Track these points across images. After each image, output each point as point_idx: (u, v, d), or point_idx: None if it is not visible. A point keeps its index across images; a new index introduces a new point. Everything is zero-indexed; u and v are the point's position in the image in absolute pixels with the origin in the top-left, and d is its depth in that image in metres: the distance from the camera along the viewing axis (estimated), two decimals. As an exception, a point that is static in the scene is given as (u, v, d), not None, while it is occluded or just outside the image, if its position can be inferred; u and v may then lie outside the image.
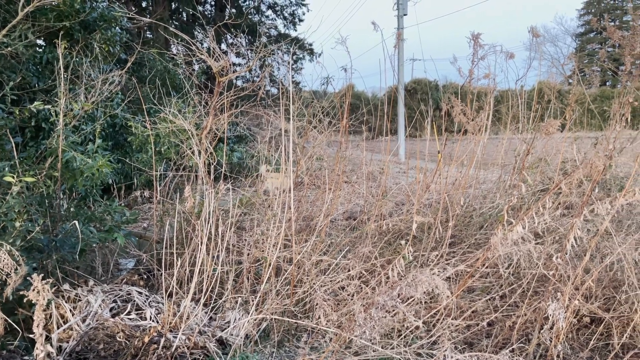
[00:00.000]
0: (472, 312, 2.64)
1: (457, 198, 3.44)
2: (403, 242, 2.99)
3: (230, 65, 4.08)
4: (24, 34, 5.52)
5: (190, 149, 3.69)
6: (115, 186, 6.44)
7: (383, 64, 3.73)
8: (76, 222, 2.71)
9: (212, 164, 3.50)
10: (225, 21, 4.24)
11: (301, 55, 20.58)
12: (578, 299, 2.20)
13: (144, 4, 18.81)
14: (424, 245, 3.22)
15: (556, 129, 2.23)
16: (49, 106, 3.19)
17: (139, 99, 6.33)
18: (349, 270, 3.15)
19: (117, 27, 6.84)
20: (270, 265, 2.61)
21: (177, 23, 18.90)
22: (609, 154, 2.81)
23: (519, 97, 3.95)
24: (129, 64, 5.52)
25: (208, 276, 3.01)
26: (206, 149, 3.78)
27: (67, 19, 6.11)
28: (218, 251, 3.22)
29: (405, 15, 17.41)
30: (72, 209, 3.01)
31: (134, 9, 16.74)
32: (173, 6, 17.56)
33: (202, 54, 4.00)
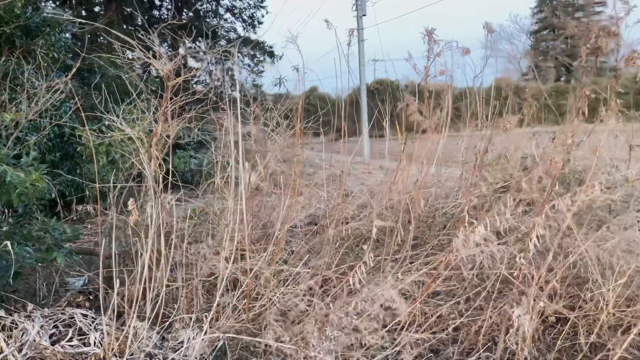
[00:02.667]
0: (437, 317, 2.54)
1: (419, 198, 3.35)
2: (365, 247, 2.87)
3: (180, 68, 3.89)
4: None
5: (138, 158, 3.48)
6: (65, 200, 6.11)
7: (339, 64, 3.64)
8: (8, 242, 2.47)
9: (161, 173, 3.29)
10: (181, 24, 4.05)
11: (262, 58, 20.36)
12: (543, 300, 2.12)
13: (96, 9, 18.23)
14: (386, 249, 3.11)
15: (514, 124, 2.16)
16: (-25, 117, 2.92)
17: (90, 107, 6.03)
18: (310, 279, 3.01)
19: (62, 33, 6.51)
20: (223, 279, 2.44)
21: (131, 28, 18.37)
22: (566, 148, 2.76)
23: (477, 94, 3.90)
24: (73, 70, 5.24)
25: (158, 294, 2.82)
26: (157, 157, 3.58)
27: (7, 24, 5.77)
28: (171, 265, 3.03)
29: (364, 15, 17.46)
30: (4, 228, 2.76)
31: (84, 13, 16.18)
32: (126, 11, 17.05)
33: (148, 58, 3.80)
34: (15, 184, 2.79)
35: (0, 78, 5.02)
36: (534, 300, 2.09)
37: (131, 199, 2.63)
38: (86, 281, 3.65)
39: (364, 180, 9.72)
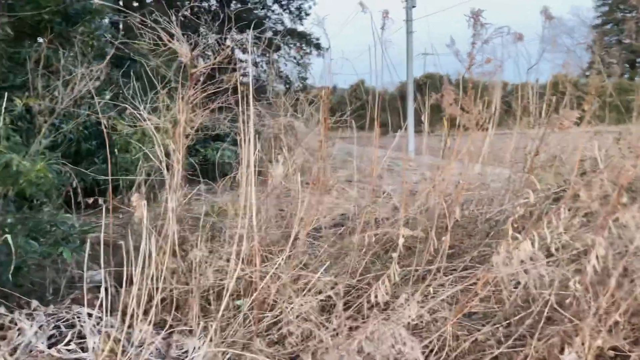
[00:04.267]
0: (472, 342, 2.20)
1: (458, 202, 2.99)
2: (395, 254, 2.56)
3: (199, 55, 3.69)
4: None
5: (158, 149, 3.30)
6: (99, 188, 6.08)
7: (384, 56, 3.33)
8: (8, 236, 2.32)
9: (179, 165, 3.09)
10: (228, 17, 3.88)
11: (308, 50, 20.15)
12: (602, 336, 1.75)
13: (148, 0, 18.52)
14: (417, 259, 2.78)
15: (573, 121, 1.80)
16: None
17: (130, 96, 5.97)
18: (332, 287, 2.73)
19: (102, 20, 6.48)
20: (228, 290, 2.19)
21: (181, 19, 18.48)
22: (636, 151, 2.34)
23: (530, 87, 3.48)
24: (107, 58, 5.15)
25: (166, 297, 2.62)
26: (180, 148, 3.40)
27: (47, 11, 5.76)
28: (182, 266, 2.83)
29: (414, 7, 16.86)
30: (9, 220, 2.63)
31: (135, 3, 16.46)
32: (175, 2, 17.21)
33: (171, 43, 3.60)
34: (23, 173, 2.66)
35: (34, 64, 5.01)
36: (590, 336, 1.72)
37: (136, 194, 2.43)
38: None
39: (407, 178, 9.33)
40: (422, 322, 2.20)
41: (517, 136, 3.83)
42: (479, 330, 2.26)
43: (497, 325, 2.16)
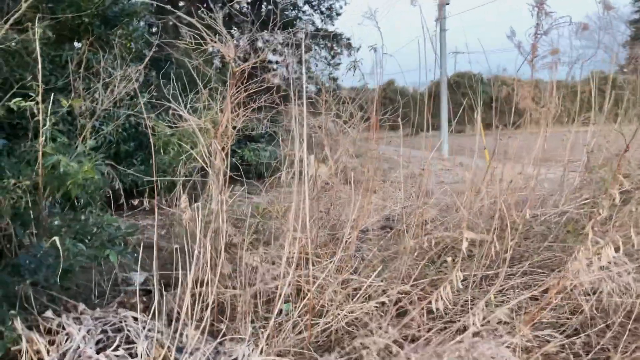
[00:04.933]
0: (544, 356, 2.04)
1: (515, 204, 2.83)
2: (449, 259, 2.42)
3: (245, 53, 3.61)
4: (40, 29, 5.23)
5: (202, 150, 3.24)
6: (137, 189, 6.11)
7: (422, 54, 3.20)
8: (56, 238, 2.27)
9: (223, 166, 3.02)
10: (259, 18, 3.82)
11: (339, 50, 20.02)
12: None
13: (180, 4, 18.75)
14: (475, 263, 2.63)
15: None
16: (31, 102, 2.78)
17: (167, 98, 5.97)
18: (383, 293, 2.60)
19: (140, 22, 6.52)
20: (280, 295, 2.09)
21: (214, 20, 18.59)
22: None
23: (592, 82, 3.27)
24: (146, 60, 5.15)
25: (213, 301, 2.53)
26: (222, 149, 3.33)
27: (86, 14, 5.82)
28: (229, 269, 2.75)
29: (447, 4, 16.54)
30: (56, 222, 2.60)
31: (169, 7, 16.66)
32: (207, 4, 17.34)
33: (214, 41, 3.54)
34: (70, 175, 2.62)
35: (75, 67, 5.04)
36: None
37: (184, 196, 2.36)
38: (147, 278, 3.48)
39: (443, 178, 9.09)
40: (489, 332, 2.05)
41: (573, 134, 3.61)
42: (548, 342, 2.09)
43: (573, 336, 1.99)
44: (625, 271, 1.70)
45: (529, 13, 2.63)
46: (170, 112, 3.70)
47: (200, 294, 2.39)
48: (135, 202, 2.75)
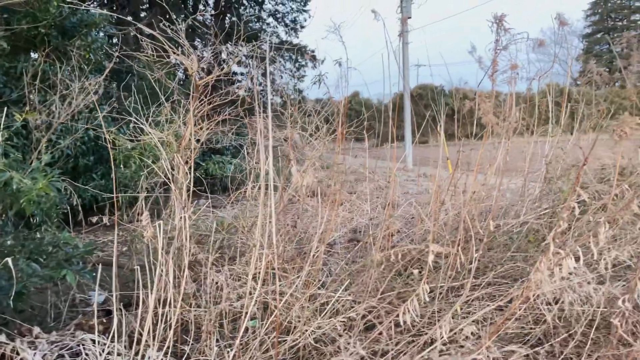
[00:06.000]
0: (508, 366, 2.05)
1: (479, 215, 2.87)
2: (416, 272, 2.42)
3: (209, 65, 3.56)
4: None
5: (163, 163, 3.17)
6: (97, 205, 5.92)
7: (383, 67, 3.23)
8: (9, 259, 2.16)
9: (186, 180, 2.95)
10: (223, 29, 3.78)
11: (303, 63, 20.11)
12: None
13: (142, 14, 18.46)
14: (441, 275, 2.64)
15: (634, 128, 1.68)
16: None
17: (126, 111, 5.83)
18: (352, 307, 2.59)
19: (99, 33, 6.36)
20: (246, 314, 2.04)
21: (176, 32, 18.35)
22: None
23: (547, 94, 3.38)
24: (106, 71, 5.02)
25: (177, 320, 2.46)
26: (185, 162, 3.26)
27: (42, 24, 5.64)
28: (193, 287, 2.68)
29: (409, 18, 16.90)
30: (8, 242, 2.47)
31: (130, 18, 16.38)
32: (169, 15, 17.13)
33: (176, 54, 3.48)
34: (24, 192, 2.50)
35: (31, 78, 4.87)
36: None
37: (146, 212, 2.29)
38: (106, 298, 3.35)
39: (407, 189, 9.20)
40: (452, 343, 2.06)
41: (532, 145, 3.71)
42: (514, 352, 2.11)
43: (536, 347, 2.02)
44: (585, 281, 1.74)
45: (488, 29, 2.71)
46: (131, 125, 3.61)
47: (163, 314, 2.31)
48: (94, 218, 2.65)
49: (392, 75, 3.35)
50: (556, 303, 2.10)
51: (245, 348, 2.32)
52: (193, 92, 3.53)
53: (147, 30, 3.53)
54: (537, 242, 2.99)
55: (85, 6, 6.12)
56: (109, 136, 5.26)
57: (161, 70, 4.48)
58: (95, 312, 2.77)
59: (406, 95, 16.96)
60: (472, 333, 2.15)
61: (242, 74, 20.13)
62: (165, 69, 4.19)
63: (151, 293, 2.19)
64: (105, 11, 6.16)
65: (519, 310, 2.04)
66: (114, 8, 14.32)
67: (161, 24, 3.55)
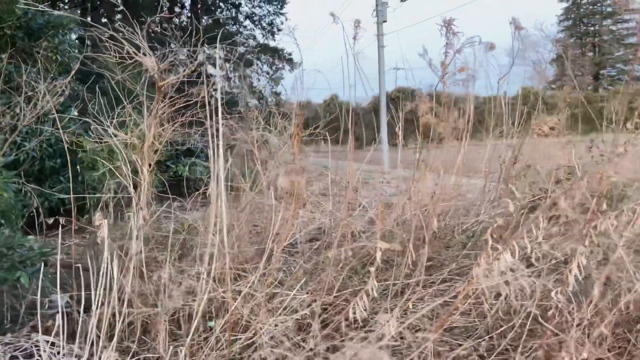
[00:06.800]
0: (454, 359, 2.12)
1: (434, 213, 2.94)
2: (372, 269, 2.47)
3: (168, 69, 3.57)
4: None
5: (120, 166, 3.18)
6: (65, 208, 5.85)
7: (356, 69, 3.27)
8: (-41, 261, 2.15)
9: (146, 182, 2.96)
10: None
11: (280, 65, 20.16)
12: (588, 349, 1.70)
13: (117, 16, 18.27)
14: (395, 272, 2.70)
15: (550, 128, 1.77)
16: None
17: (96, 112, 5.76)
18: (309, 305, 2.63)
19: (67, 35, 6.29)
20: (198, 312, 2.07)
21: (152, 34, 18.22)
22: (609, 158, 2.34)
23: (502, 99, 3.48)
24: (72, 73, 4.98)
25: (133, 321, 2.47)
26: (149, 164, 3.28)
27: (8, 26, 5.56)
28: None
29: (384, 21, 17.07)
30: (-40, 244, 2.45)
31: (104, 20, 16.20)
32: (144, 17, 16.99)
33: (137, 55, 3.49)
34: (-23, 194, 2.49)
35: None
36: (575, 348, 1.67)
37: (99, 214, 2.30)
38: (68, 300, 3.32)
39: (381, 191, 9.28)
40: (402, 339, 2.12)
41: (490, 147, 3.82)
42: (460, 345, 2.18)
43: (480, 340, 2.09)
44: (521, 275, 1.81)
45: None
46: (93, 127, 3.59)
47: (121, 314, 2.32)
48: (50, 221, 2.64)
49: (372, 78, 3.41)
50: (498, 298, 2.18)
51: (200, 346, 2.34)
52: (157, 94, 3.54)
53: (107, 32, 3.53)
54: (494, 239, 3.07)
55: (47, 7, 6.05)
56: (74, 139, 5.21)
57: (131, 72, 4.48)
58: (50, 314, 2.77)
59: (382, 98, 17.13)
60: (420, 329, 2.22)
61: (214, 75, 19.94)
62: (133, 70, 4.18)
63: (108, 294, 2.20)
64: (69, 13, 6.12)
65: (464, 305, 2.10)
66: (86, 10, 14.16)
67: (128, 27, 3.55)
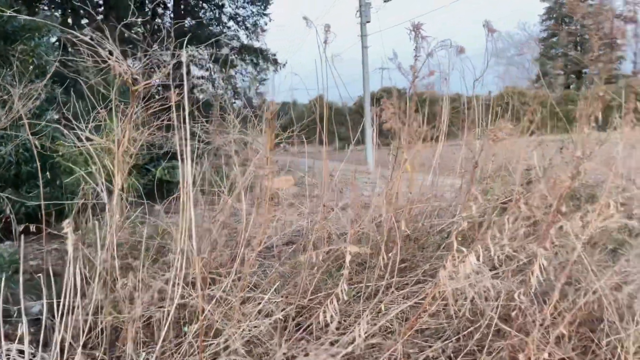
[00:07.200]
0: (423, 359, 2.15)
1: (407, 214, 2.97)
2: (346, 272, 2.49)
3: (144, 72, 3.55)
4: None
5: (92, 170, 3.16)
6: (42, 213, 5.78)
7: (333, 70, 3.29)
8: None
9: (118, 186, 2.95)
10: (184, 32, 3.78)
11: (265, 66, 20.12)
12: (551, 348, 1.73)
13: (99, 17, 18.09)
14: (367, 274, 2.73)
15: (508, 132, 1.80)
16: None
17: (74, 116, 5.68)
18: (283, 309, 2.63)
19: (44, 37, 6.21)
20: (168, 317, 2.07)
21: (134, 35, 18.05)
22: (576, 160, 2.37)
23: (477, 99, 3.52)
24: (47, 76, 4.92)
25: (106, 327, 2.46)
26: (122, 169, 3.26)
27: (-18, 29, 5.49)
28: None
29: (368, 22, 17.14)
30: None
31: (85, 20, 16.01)
32: (125, 19, 16.84)
33: (110, 60, 3.47)
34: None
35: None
36: (537, 348, 1.70)
37: (68, 220, 2.28)
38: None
39: (366, 191, 9.31)
40: (372, 341, 2.14)
41: (465, 147, 3.86)
42: (430, 347, 2.21)
43: (447, 341, 2.12)
44: (486, 278, 1.84)
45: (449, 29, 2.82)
46: (67, 132, 3.56)
47: (86, 322, 2.31)
48: (21, 228, 2.61)
49: (358, 78, 3.43)
50: (466, 299, 2.20)
51: (172, 353, 2.34)
52: (131, 98, 3.52)
53: (82, 35, 3.50)
54: (464, 241, 3.11)
55: (25, 9, 5.98)
56: (48, 143, 5.16)
57: (105, 76, 4.44)
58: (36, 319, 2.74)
59: (366, 98, 17.18)
60: (392, 332, 2.24)
61: (201, 77, 19.99)
62: (107, 75, 4.15)
63: (64, 302, 2.19)
64: (48, 15, 6.04)
65: (433, 306, 2.13)
66: (66, 11, 14.01)
67: (107, 29, 3.52)
